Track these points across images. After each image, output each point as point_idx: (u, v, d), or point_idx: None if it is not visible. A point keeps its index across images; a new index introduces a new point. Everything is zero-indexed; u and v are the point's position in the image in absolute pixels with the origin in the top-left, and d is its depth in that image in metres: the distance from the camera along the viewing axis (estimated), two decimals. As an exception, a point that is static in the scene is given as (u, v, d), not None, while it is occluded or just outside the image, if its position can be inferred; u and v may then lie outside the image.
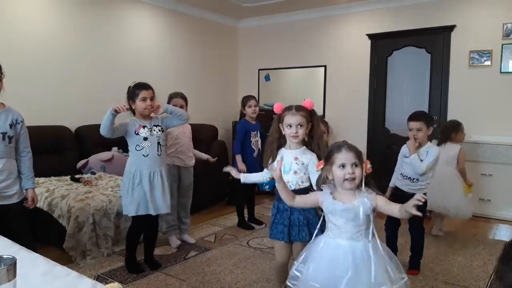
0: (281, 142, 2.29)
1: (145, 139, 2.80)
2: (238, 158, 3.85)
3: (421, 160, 2.85)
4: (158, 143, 2.85)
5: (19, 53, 3.92)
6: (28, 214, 2.52)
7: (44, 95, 4.15)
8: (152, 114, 2.89)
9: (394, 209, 1.76)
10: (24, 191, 2.46)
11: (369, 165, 1.81)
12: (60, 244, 3.07)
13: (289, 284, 1.87)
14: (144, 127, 2.82)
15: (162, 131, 2.90)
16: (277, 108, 2.29)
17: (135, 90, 2.81)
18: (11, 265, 0.98)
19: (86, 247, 3.12)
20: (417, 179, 2.89)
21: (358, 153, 1.80)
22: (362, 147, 5.58)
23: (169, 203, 2.93)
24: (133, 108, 2.84)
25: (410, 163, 2.89)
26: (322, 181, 1.87)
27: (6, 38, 3.85)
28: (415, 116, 2.95)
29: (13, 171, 2.39)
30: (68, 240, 3.06)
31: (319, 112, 5.90)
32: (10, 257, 1.01)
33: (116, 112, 2.62)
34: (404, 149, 3.02)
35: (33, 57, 4.06)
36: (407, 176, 2.96)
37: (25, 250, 1.51)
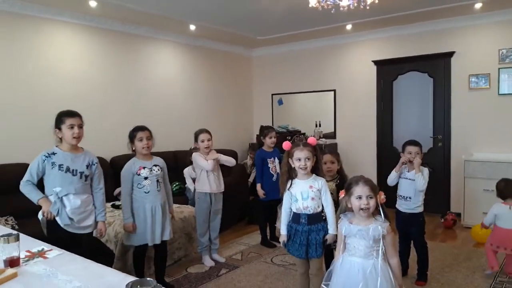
0: (291, 173, 2.70)
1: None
2: (258, 186, 4.32)
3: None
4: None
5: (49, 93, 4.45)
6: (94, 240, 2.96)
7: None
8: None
9: (390, 256, 2.17)
10: (96, 222, 2.85)
11: (383, 196, 2.19)
12: (110, 266, 3.50)
13: None
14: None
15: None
16: (285, 146, 2.73)
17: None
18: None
19: (131, 268, 3.54)
20: (410, 198, 3.25)
21: (373, 187, 2.16)
22: (372, 164, 5.98)
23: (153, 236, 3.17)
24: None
25: (415, 180, 3.20)
26: (344, 209, 2.26)
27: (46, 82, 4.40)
28: (414, 142, 3.30)
29: (89, 205, 2.80)
30: (117, 262, 3.50)
31: (330, 130, 6.34)
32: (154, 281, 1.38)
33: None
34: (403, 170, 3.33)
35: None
36: (401, 196, 3.33)
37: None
